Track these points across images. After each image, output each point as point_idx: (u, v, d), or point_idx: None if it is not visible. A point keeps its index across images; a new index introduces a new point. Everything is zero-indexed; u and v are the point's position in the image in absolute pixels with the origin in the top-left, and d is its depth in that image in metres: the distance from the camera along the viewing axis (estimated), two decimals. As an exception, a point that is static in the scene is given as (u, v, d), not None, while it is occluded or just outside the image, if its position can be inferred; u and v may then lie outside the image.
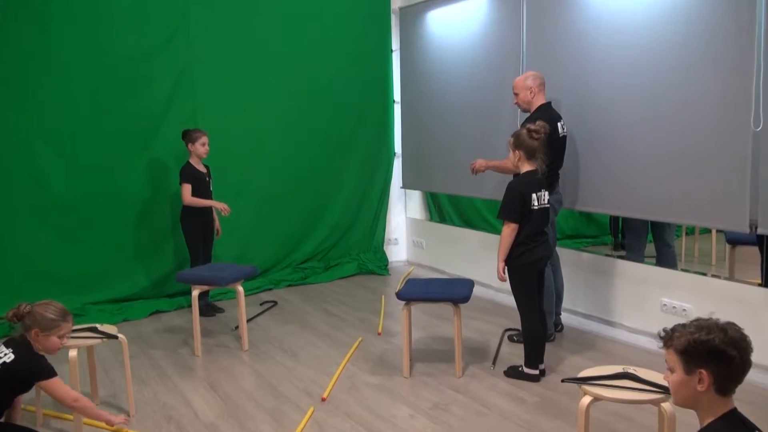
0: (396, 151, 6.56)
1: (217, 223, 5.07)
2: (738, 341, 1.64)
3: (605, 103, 4.17)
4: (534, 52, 4.67)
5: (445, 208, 6.53)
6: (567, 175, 4.34)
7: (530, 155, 3.46)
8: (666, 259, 4.44)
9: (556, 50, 4.49)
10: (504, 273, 3.52)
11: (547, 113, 3.96)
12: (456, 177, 5.57)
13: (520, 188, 3.44)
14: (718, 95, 3.53)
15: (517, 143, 3.47)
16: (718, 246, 5.28)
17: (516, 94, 4.10)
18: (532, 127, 3.44)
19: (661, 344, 1.76)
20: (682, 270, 4.16)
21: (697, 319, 1.71)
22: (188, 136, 4.84)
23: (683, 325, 1.71)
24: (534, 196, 3.44)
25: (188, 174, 4.79)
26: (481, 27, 5.17)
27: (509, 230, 3.44)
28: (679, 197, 3.79)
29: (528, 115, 4.06)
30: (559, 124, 3.96)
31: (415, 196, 6.73)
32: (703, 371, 1.64)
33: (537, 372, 3.60)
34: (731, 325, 1.67)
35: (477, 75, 5.26)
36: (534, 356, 3.60)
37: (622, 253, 4.82)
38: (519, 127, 3.89)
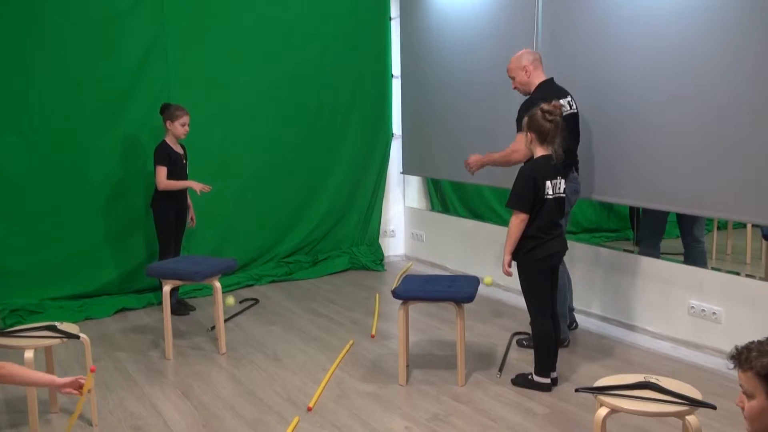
0: (394, 131, 6.57)
1: (191, 211, 5.07)
2: None
3: (628, 81, 4.17)
4: (550, 21, 4.67)
5: (448, 197, 6.54)
6: (583, 162, 4.35)
7: (543, 138, 3.47)
8: (695, 256, 4.46)
9: (575, 20, 4.48)
10: (510, 267, 3.54)
11: (550, 89, 3.99)
12: (461, 162, 5.56)
13: (533, 174, 3.46)
14: (756, 74, 3.53)
15: (530, 124, 3.49)
16: (753, 243, 5.30)
17: (512, 78, 4.16)
18: (545, 107, 3.45)
19: (733, 365, 1.72)
20: (713, 269, 4.19)
21: None
22: (168, 112, 4.81)
23: (761, 342, 1.68)
24: (549, 183, 3.46)
25: (164, 155, 4.78)
26: (491, -7, 5.16)
27: (518, 221, 3.46)
28: (710, 188, 3.80)
29: (528, 97, 4.07)
30: (564, 100, 3.98)
31: (415, 183, 6.74)
32: None
33: (548, 381, 3.62)
34: None
35: (487, 47, 5.25)
36: (545, 363, 3.62)
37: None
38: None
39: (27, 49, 4.83)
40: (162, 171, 4.76)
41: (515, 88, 4.17)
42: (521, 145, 3.73)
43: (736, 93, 3.62)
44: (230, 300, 4.43)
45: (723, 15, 3.65)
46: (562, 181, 3.54)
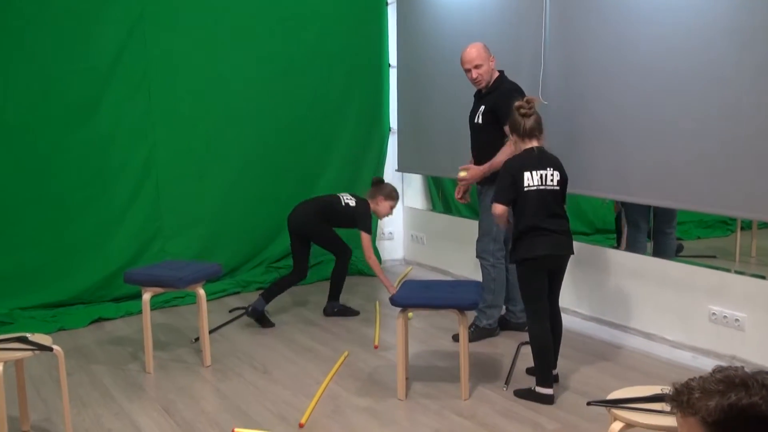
0: (391, 126, 6.57)
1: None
2: None
3: (644, 72, 4.16)
4: (558, 8, 4.67)
5: (449, 196, 6.54)
6: (591, 157, 4.35)
7: (525, 134, 3.65)
8: (665, 246, 4.79)
9: (584, 8, 4.48)
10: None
11: (509, 83, 4.40)
12: (463, 159, 5.56)
13: (510, 169, 3.65)
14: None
15: (511, 127, 3.69)
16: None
17: (479, 66, 4.37)
18: (518, 103, 3.66)
19: (671, 407, 1.48)
20: (736, 272, 4.18)
21: (720, 370, 1.46)
22: (385, 190, 5.10)
23: (703, 380, 1.44)
24: (527, 174, 3.58)
25: (369, 221, 5.02)
26: (495, -24, 5.17)
27: (499, 209, 3.66)
28: (731, 185, 3.81)
29: (486, 90, 4.43)
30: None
31: (414, 182, 6.74)
32: None
33: (551, 392, 3.64)
34: (762, 374, 1.42)
35: (489, 34, 5.25)
36: (545, 372, 3.66)
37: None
38: (497, 101, 4.33)
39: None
40: (368, 240, 4.97)
41: (476, 77, 4.40)
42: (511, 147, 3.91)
43: (760, 84, 3.63)
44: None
45: (732, 16, 3.65)
46: (555, 172, 3.63)
